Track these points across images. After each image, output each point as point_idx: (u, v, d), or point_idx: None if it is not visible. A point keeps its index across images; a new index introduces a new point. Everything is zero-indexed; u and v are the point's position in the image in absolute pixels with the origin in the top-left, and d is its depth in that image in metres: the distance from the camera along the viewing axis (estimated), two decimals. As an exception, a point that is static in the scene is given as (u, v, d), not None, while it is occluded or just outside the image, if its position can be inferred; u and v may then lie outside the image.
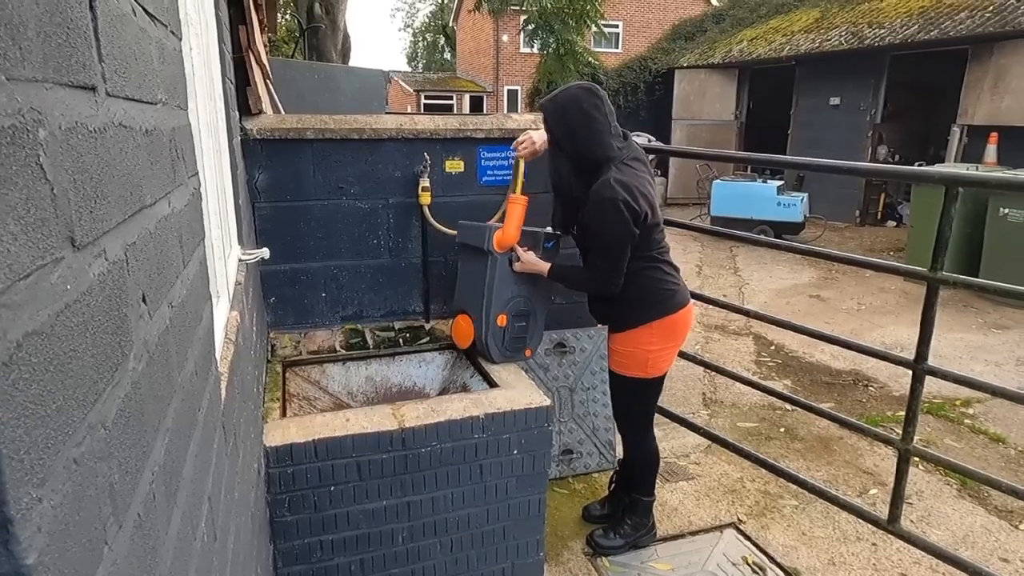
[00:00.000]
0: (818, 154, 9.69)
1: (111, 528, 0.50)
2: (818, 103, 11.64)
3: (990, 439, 3.57)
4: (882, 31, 10.60)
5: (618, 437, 2.65)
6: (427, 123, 2.59)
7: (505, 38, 22.17)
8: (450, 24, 32.76)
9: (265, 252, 1.98)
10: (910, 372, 2.24)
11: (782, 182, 9.47)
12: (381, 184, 2.54)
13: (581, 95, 2.13)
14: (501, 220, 2.46)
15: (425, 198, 2.53)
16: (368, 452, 1.86)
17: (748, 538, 2.62)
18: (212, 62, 1.61)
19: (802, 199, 9.00)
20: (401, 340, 2.66)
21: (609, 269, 2.15)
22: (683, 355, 2.88)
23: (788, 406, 3.70)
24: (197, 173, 1.06)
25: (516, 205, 2.34)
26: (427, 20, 42.86)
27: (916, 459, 2.59)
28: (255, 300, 2.10)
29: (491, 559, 2.13)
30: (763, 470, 2.84)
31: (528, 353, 2.51)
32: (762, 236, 3.36)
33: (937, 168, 6.06)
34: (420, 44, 43.76)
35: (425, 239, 2.62)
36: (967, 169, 6.79)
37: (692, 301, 2.38)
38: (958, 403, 3.97)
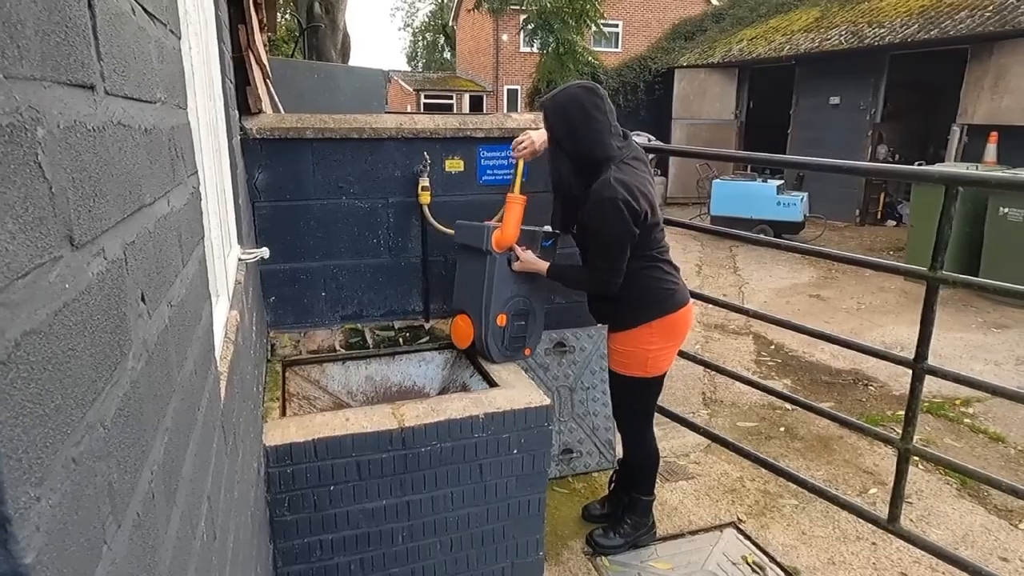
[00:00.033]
0: (818, 153, 9.70)
1: (110, 527, 0.50)
2: (818, 102, 11.64)
3: (990, 438, 3.58)
4: (882, 30, 10.60)
5: (618, 436, 2.65)
6: (427, 122, 2.59)
7: (505, 37, 22.17)
8: (450, 23, 32.76)
9: (265, 251, 1.98)
10: (910, 371, 2.24)
11: (782, 181, 9.47)
12: (381, 183, 2.54)
13: (582, 94, 2.13)
14: (500, 220, 2.46)
15: (425, 197, 2.53)
16: (368, 451, 1.86)
17: (748, 537, 2.62)
18: (212, 61, 1.61)
19: (802, 198, 8.99)
20: (401, 339, 2.66)
21: (608, 268, 2.15)
22: (683, 354, 2.88)
23: (788, 405, 3.70)
24: (196, 172, 1.06)
25: (515, 204, 2.34)
26: (427, 19, 42.86)
27: (916, 458, 2.59)
28: (255, 299, 2.10)
29: (491, 558, 2.13)
30: (763, 469, 2.84)
31: (528, 352, 2.51)
32: (762, 235, 3.36)
33: (937, 167, 6.06)
34: (420, 43, 43.74)
35: (425, 238, 2.62)
36: (967, 168, 6.79)
37: (692, 300, 2.38)
38: (958, 402, 3.97)
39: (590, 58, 15.88)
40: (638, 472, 2.52)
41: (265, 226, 2.42)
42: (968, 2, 9.75)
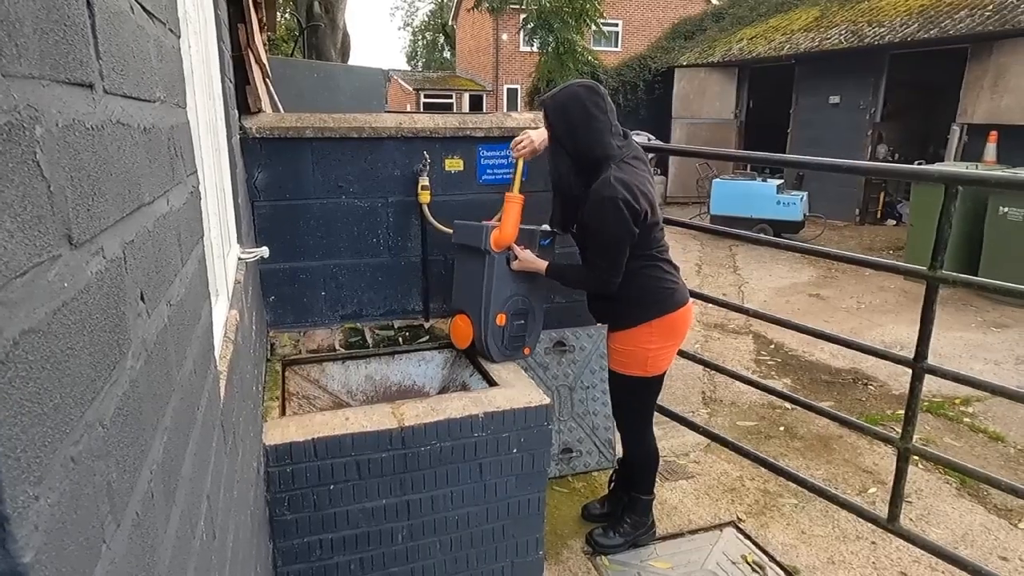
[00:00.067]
0: (818, 153, 9.69)
1: (109, 527, 0.50)
2: (818, 102, 11.64)
3: (989, 437, 3.58)
4: (882, 30, 10.60)
5: (617, 436, 2.65)
6: (426, 122, 2.59)
7: (505, 37, 22.16)
8: (449, 23, 32.75)
9: (264, 251, 1.98)
10: (909, 371, 2.24)
11: (782, 181, 9.47)
12: (380, 183, 2.54)
13: (582, 93, 2.13)
14: (499, 219, 2.45)
15: (424, 197, 2.53)
16: (368, 451, 1.86)
17: (748, 536, 2.62)
18: (211, 60, 1.61)
19: (802, 198, 9.00)
20: (400, 339, 2.65)
21: (608, 268, 2.15)
22: (682, 354, 2.88)
23: (788, 405, 3.70)
24: (196, 171, 1.06)
25: (513, 204, 2.34)
26: (427, 19, 42.82)
27: (915, 458, 2.59)
28: (254, 299, 2.10)
29: (491, 558, 2.13)
30: (763, 469, 2.84)
31: (527, 351, 2.51)
32: (762, 235, 3.36)
33: (937, 167, 6.06)
34: (419, 43, 43.70)
35: (424, 238, 2.62)
36: (967, 168, 6.79)
37: (691, 300, 2.38)
38: (957, 402, 3.97)
39: (590, 57, 15.89)
40: (638, 471, 2.52)
41: (265, 225, 2.42)
42: (968, 1, 9.75)
